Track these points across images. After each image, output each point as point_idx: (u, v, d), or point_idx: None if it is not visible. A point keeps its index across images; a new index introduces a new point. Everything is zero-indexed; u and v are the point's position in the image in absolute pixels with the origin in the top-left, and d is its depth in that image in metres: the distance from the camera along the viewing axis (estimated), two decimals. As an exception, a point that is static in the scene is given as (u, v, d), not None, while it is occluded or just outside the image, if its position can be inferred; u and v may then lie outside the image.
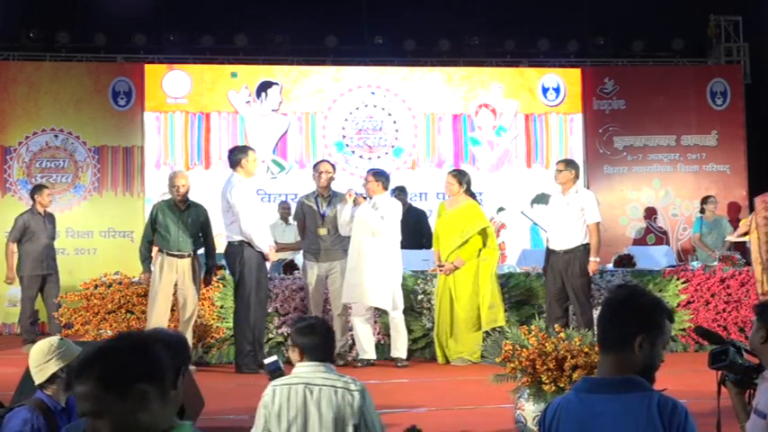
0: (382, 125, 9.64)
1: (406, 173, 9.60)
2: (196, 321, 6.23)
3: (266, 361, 2.78)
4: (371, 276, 6.06)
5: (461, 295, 6.27)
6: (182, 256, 6.01)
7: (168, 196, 6.32)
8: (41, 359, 2.76)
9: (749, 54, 10.26)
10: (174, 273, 5.99)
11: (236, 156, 6.09)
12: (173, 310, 6.14)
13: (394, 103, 9.67)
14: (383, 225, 6.15)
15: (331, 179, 6.46)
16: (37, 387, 2.75)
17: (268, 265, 6.23)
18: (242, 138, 9.37)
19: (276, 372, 2.77)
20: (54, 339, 2.88)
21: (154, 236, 6.08)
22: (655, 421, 1.85)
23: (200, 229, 6.17)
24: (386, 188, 6.37)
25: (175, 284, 5.99)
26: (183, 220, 6.07)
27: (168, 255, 5.99)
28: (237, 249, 5.99)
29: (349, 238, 6.24)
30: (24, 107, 9.09)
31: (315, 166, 6.66)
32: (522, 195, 9.61)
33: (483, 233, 6.32)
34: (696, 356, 6.61)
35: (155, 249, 6.12)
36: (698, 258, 7.97)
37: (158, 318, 5.91)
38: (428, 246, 7.67)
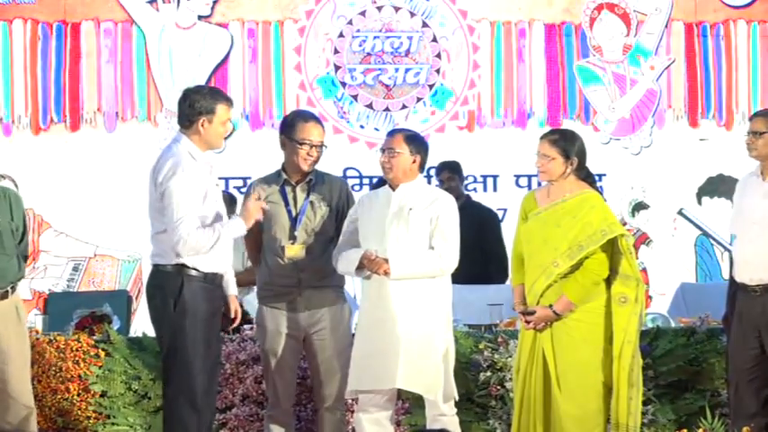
0: (410, 45, 9.70)
1: (457, 136, 9.67)
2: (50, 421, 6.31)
3: None
4: (406, 340, 6.09)
5: (568, 371, 6.19)
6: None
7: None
8: None
9: None
10: None
11: (195, 107, 6.02)
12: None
13: (433, 4, 9.75)
14: (439, 262, 6.19)
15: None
16: None
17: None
18: (142, 69, 9.48)
19: None
20: None
21: None
22: None
23: (19, 234, 6.29)
24: (422, 168, 6.42)
25: None
26: None
27: None
28: (171, 279, 5.97)
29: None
30: None
31: (285, 124, 6.61)
32: (681, 179, 9.67)
33: (611, 249, 6.24)
34: None
35: None
36: None
37: None
38: (495, 276, 7.94)
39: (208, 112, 5.98)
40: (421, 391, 6.17)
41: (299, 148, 6.36)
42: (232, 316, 6.16)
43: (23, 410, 6.08)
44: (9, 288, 6.14)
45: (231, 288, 6.17)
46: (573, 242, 6.19)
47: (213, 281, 5.99)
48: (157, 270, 6.00)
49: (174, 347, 5.95)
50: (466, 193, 8.59)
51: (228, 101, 6.21)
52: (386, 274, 6.07)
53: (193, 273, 5.91)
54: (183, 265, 5.91)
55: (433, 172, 8.55)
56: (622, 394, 6.14)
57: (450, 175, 8.40)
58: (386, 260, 6.06)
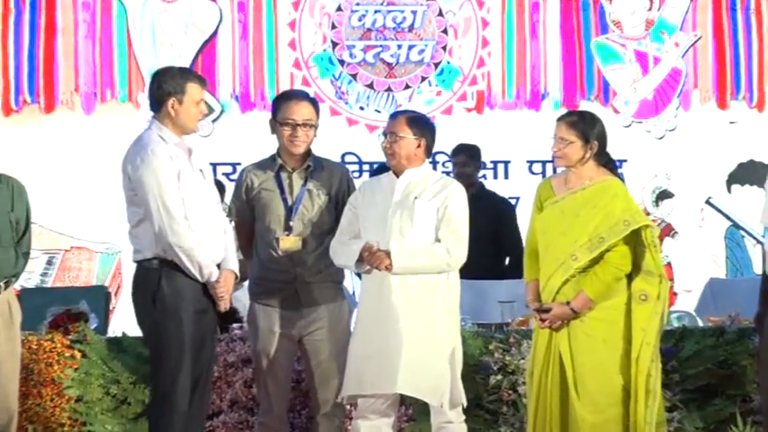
0: (414, 20, 9.71)
1: (465, 118, 9.70)
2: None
3: None
4: (409, 341, 6.04)
5: (587, 374, 6.15)
6: None
7: None
8: None
9: None
10: None
11: (163, 88, 6.03)
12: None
13: (438, -25, 9.88)
14: (446, 256, 6.11)
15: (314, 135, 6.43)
16: None
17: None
18: (123, 46, 9.52)
19: None
20: None
21: None
22: None
23: (21, 228, 6.36)
24: (429, 152, 6.38)
25: None
26: None
27: None
28: (150, 275, 5.96)
29: None
30: None
31: (276, 104, 6.54)
32: (709, 166, 9.70)
33: (634, 241, 6.20)
34: None
35: None
36: None
37: None
38: (511, 271, 8.00)
39: (177, 92, 5.96)
40: (423, 397, 6.10)
41: (282, 129, 6.33)
42: (218, 300, 6.01)
43: (5, 415, 6.16)
44: (2, 283, 6.18)
45: (229, 262, 6.10)
46: (593, 233, 6.17)
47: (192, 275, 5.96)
48: (140, 266, 6.00)
49: (157, 348, 5.98)
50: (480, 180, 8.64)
51: (200, 79, 6.23)
52: (387, 269, 6.01)
53: (175, 266, 5.89)
54: (164, 259, 5.89)
55: (438, 157, 8.71)
56: (640, 401, 6.13)
57: (466, 159, 8.42)
58: (388, 253, 6.00)
